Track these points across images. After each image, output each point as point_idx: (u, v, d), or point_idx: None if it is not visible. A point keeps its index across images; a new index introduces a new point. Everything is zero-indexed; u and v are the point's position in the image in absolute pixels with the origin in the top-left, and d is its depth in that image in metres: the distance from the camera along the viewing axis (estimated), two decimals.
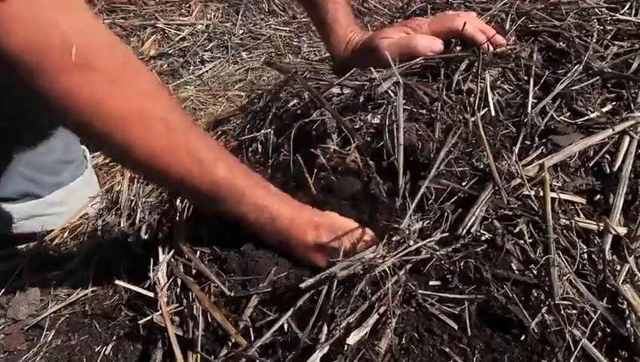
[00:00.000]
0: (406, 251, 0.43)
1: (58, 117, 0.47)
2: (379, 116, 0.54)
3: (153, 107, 0.45)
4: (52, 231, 0.76)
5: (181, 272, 0.50)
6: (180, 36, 1.34)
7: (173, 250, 0.53)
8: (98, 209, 0.79)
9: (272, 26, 1.41)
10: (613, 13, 0.70)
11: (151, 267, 0.53)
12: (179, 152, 0.46)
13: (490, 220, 0.46)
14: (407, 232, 0.44)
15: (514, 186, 0.48)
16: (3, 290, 0.69)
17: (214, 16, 1.42)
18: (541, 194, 0.47)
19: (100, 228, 0.76)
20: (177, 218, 0.58)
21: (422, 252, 0.44)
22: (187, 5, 1.44)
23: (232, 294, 0.46)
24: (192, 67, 1.25)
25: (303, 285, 0.41)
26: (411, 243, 0.44)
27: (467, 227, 0.45)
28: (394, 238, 0.45)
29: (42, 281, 0.70)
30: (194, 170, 0.47)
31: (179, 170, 0.46)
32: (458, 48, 0.65)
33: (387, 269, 0.42)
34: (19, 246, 0.75)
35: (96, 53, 0.41)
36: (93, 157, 0.93)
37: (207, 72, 1.24)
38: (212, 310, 0.45)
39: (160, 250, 0.54)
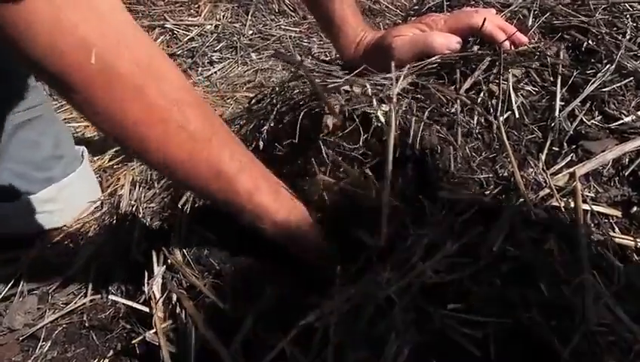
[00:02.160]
0: (417, 271, 0.39)
1: (89, 120, 0.44)
2: (389, 106, 0.50)
3: (174, 113, 0.42)
4: (52, 234, 0.74)
5: (175, 287, 0.47)
6: (188, 37, 1.32)
7: (168, 262, 0.50)
8: (99, 214, 0.77)
9: (282, 26, 1.38)
10: None
11: (145, 281, 0.50)
12: (199, 165, 0.44)
13: (515, 235, 0.42)
14: (417, 249, 0.40)
15: (542, 197, 0.44)
16: (0, 297, 0.67)
17: (224, 16, 1.40)
18: (572, 205, 0.43)
19: (100, 233, 0.74)
20: (176, 226, 0.55)
21: (438, 272, 0.40)
22: (196, 5, 1.42)
23: (228, 308, 0.42)
24: (200, 68, 1.23)
25: (301, 323, 0.37)
26: (422, 261, 0.39)
27: (490, 243, 0.41)
28: (403, 256, 0.41)
29: (40, 288, 0.68)
30: (214, 184, 0.45)
31: (199, 182, 0.45)
32: (476, 47, 0.61)
33: (396, 292, 0.38)
34: (18, 251, 0.73)
35: (117, 57, 0.38)
36: (96, 159, 0.91)
37: (215, 73, 1.21)
38: (205, 331, 0.42)
39: (155, 262, 0.51)
